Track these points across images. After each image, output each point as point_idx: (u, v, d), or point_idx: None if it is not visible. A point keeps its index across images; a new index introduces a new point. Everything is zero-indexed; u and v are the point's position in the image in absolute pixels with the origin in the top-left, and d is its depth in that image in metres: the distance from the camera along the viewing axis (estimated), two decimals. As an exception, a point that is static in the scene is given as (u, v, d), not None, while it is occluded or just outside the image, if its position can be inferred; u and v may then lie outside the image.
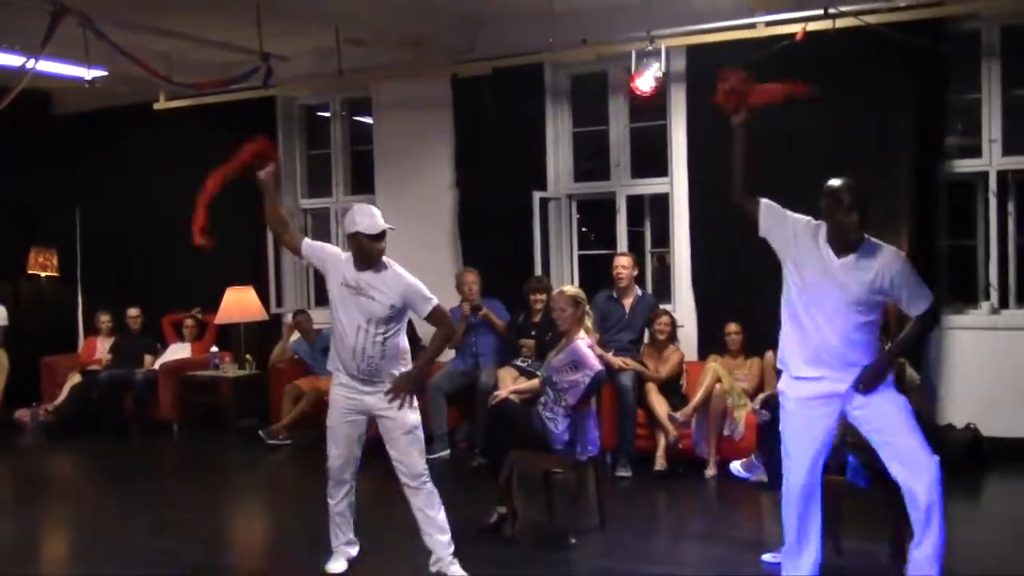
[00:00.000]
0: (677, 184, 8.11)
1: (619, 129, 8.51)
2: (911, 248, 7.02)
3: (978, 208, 7.36)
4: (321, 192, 10.03)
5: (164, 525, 6.18)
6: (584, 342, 5.43)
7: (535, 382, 5.99)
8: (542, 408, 5.43)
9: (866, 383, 4.01)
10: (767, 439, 4.89)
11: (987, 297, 7.31)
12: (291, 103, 9.88)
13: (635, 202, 8.59)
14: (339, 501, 5.00)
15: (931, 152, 7.18)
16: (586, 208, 8.98)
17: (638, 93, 7.73)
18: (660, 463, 6.96)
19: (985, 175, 7.25)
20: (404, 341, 4.80)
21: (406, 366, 4.79)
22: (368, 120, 9.61)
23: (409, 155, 9.15)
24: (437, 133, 8.91)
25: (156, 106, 9.58)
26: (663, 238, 8.43)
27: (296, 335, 8.96)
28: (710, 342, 7.64)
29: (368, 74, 8.88)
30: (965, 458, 6.78)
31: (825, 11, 6.92)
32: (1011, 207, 7.21)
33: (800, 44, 7.00)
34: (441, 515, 4.82)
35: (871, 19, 6.90)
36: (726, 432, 6.91)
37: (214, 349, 9.30)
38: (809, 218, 4.14)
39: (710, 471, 6.85)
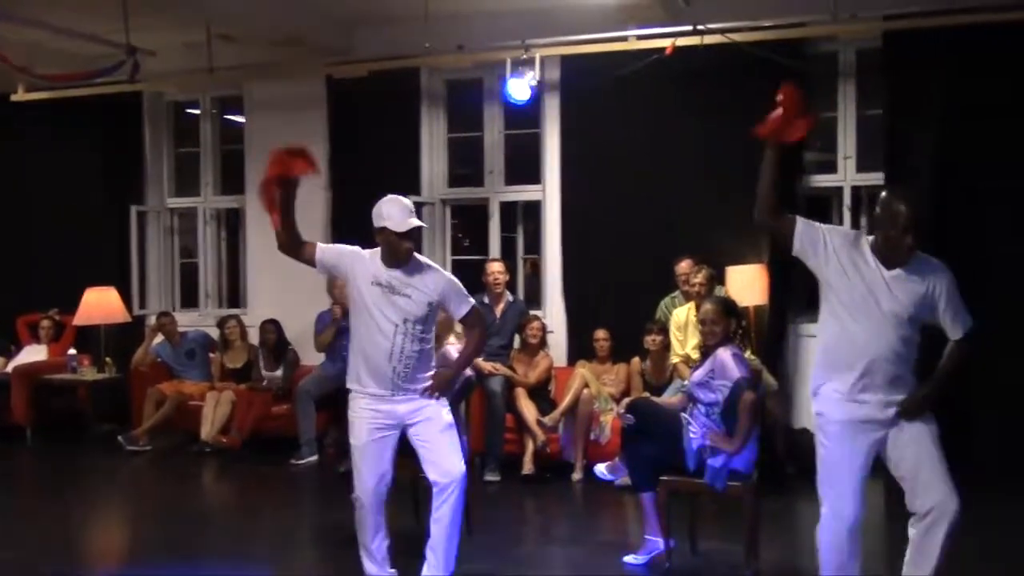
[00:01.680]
0: (550, 191, 8.22)
1: (494, 136, 8.57)
2: (770, 257, 7.30)
3: (833, 221, 7.69)
4: (189, 191, 9.77)
5: (16, 535, 5.91)
6: (454, 347, 5.44)
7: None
8: (410, 412, 5.41)
9: (912, 409, 3.78)
10: (631, 443, 4.99)
11: (841, 307, 7.62)
12: (159, 99, 9.61)
13: (508, 208, 8.67)
14: (378, 542, 4.51)
15: (791, 167, 7.46)
16: (460, 213, 9.01)
17: (513, 101, 7.81)
18: (528, 467, 7.03)
19: (840, 190, 7.58)
20: (434, 343, 4.58)
21: (432, 369, 4.51)
22: (240, 119, 9.42)
23: (281, 156, 8.98)
24: (311, 134, 8.75)
25: (14, 98, 9.18)
26: (535, 245, 8.53)
27: (160, 337, 8.70)
28: (579, 348, 7.76)
29: (240, 72, 8.71)
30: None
31: (694, 27, 7.14)
32: (863, 221, 7.55)
33: (670, 58, 7.19)
34: (457, 531, 4.45)
35: (737, 37, 7.14)
36: (593, 436, 7.02)
37: (72, 351, 8.94)
38: (847, 229, 3.93)
39: (577, 475, 6.95)
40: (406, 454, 4.98)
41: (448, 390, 4.55)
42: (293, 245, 4.45)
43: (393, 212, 4.29)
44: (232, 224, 9.74)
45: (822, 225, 3.88)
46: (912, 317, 3.75)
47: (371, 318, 4.34)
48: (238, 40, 8.25)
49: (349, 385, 4.51)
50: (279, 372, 8.34)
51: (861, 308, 3.75)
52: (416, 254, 4.42)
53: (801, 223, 3.86)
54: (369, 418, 4.39)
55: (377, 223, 4.32)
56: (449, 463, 4.38)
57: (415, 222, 4.31)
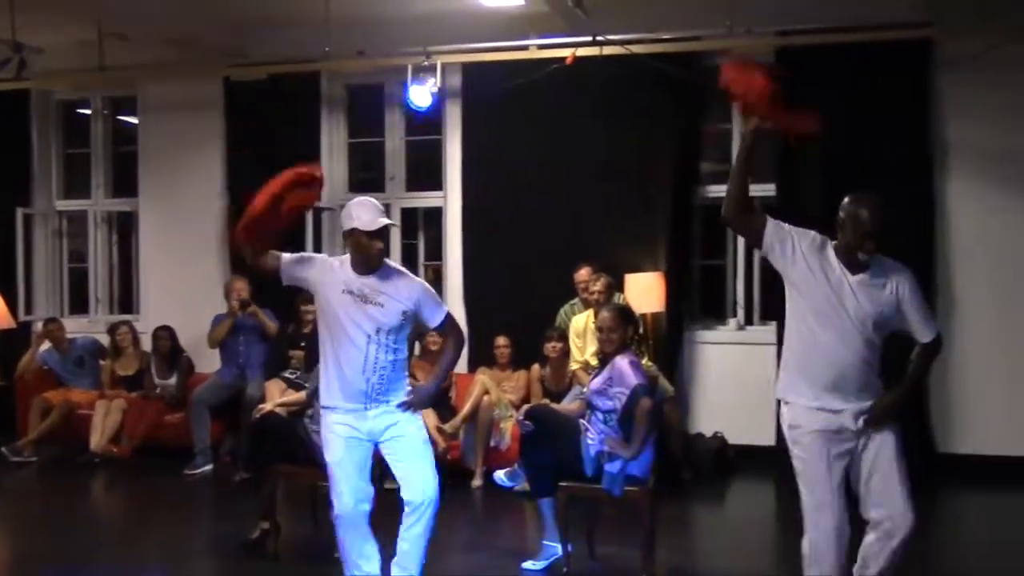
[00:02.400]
0: (451, 198, 8.23)
1: (395, 142, 8.54)
2: (667, 266, 7.45)
3: (728, 231, 7.86)
4: (79, 194, 9.48)
5: None
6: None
7: (302, 394, 5.90)
8: (308, 420, 5.35)
9: (880, 416, 3.71)
10: (530, 449, 5.02)
11: (734, 314, 7.84)
12: (47, 97, 9.30)
13: (409, 214, 8.65)
14: (367, 559, 4.26)
15: (687, 177, 7.64)
16: (360, 219, 8.93)
17: (414, 107, 7.80)
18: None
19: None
20: (407, 353, 4.37)
21: (406, 380, 4.33)
22: (133, 120, 9.18)
23: (177, 158, 8.80)
24: (207, 137, 8.64)
25: None
26: (436, 251, 8.53)
27: (47, 344, 8.41)
28: (479, 355, 7.78)
29: (133, 72, 8.50)
30: (713, 465, 7.24)
31: (593, 38, 7.23)
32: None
33: (570, 68, 7.28)
34: (425, 550, 4.27)
35: (636, 48, 7.27)
36: (493, 443, 7.05)
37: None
38: (814, 233, 3.83)
39: (476, 481, 6.95)
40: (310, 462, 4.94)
41: (427, 407, 4.42)
42: (260, 258, 4.20)
43: (361, 212, 4.10)
44: (124, 228, 9.47)
45: (791, 227, 3.81)
46: (878, 323, 3.69)
47: (343, 330, 4.14)
48: (132, 39, 8.05)
49: (322, 401, 4.32)
50: (172, 379, 8.14)
51: (829, 315, 3.69)
52: (388, 260, 4.27)
53: (771, 223, 3.79)
54: (344, 434, 4.20)
55: (346, 225, 4.13)
56: (423, 482, 4.20)
57: (385, 221, 4.13)
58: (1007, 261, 7.11)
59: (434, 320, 4.30)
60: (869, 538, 3.74)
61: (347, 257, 4.21)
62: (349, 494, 4.19)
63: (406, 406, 4.25)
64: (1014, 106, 6.98)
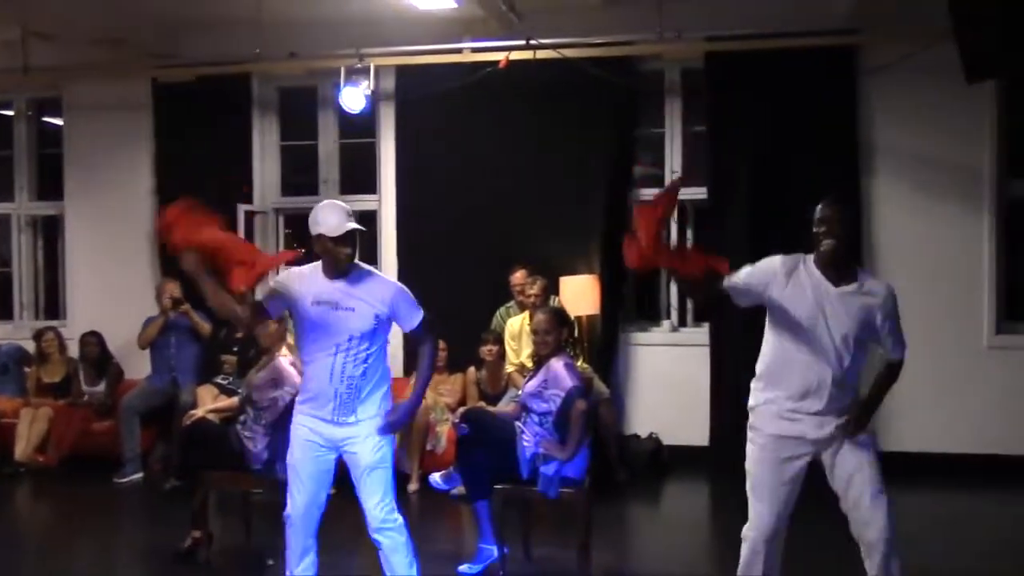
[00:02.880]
0: (385, 202, 8.19)
1: (328, 145, 8.47)
2: (602, 269, 7.50)
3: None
4: (1, 197, 9.23)
5: None
6: (286, 359, 5.34)
7: (234, 400, 5.84)
8: (241, 427, 5.29)
9: (855, 426, 3.75)
10: (465, 452, 5.02)
11: (668, 316, 7.92)
12: (-32, 99, 9.07)
13: (344, 218, 8.57)
14: (304, 567, 4.19)
15: (621, 181, 7.70)
16: (294, 223, 8.84)
17: (347, 110, 7.74)
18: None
19: (667, 203, 7.84)
20: (386, 359, 4.19)
21: (387, 396, 4.16)
22: (58, 122, 8.97)
23: (104, 161, 8.62)
24: (136, 139, 8.48)
25: None
26: (372, 255, 8.46)
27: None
28: (414, 358, 7.72)
29: (59, 73, 8.31)
30: (648, 465, 7.30)
31: (527, 42, 7.26)
32: (690, 233, 7.85)
33: (504, 71, 7.29)
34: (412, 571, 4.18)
35: (569, 53, 7.31)
36: (429, 447, 7.03)
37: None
38: (781, 257, 3.81)
39: (412, 485, 6.92)
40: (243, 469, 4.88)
41: (407, 424, 4.27)
42: (249, 312, 4.12)
43: (328, 217, 3.97)
44: (49, 232, 9.25)
45: (749, 267, 3.81)
46: (858, 337, 3.71)
47: (313, 339, 4.06)
48: (56, 39, 7.87)
49: (297, 401, 4.25)
50: (101, 386, 7.98)
51: (808, 329, 3.70)
52: (360, 263, 4.14)
53: (731, 287, 3.78)
54: (304, 436, 4.12)
55: (313, 231, 4.01)
56: (374, 509, 4.08)
57: (351, 225, 3.98)
58: (931, 261, 7.30)
59: (410, 323, 4.11)
60: (866, 563, 3.77)
61: (318, 264, 4.10)
62: (299, 498, 4.13)
63: (385, 429, 4.08)
64: (935, 110, 7.16)
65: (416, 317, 4.11)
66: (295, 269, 4.17)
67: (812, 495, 3.86)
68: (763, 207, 7.29)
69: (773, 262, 3.80)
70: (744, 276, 3.80)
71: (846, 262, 3.76)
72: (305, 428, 4.12)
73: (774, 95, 7.31)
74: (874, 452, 3.81)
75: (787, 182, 7.27)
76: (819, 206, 3.76)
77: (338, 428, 4.08)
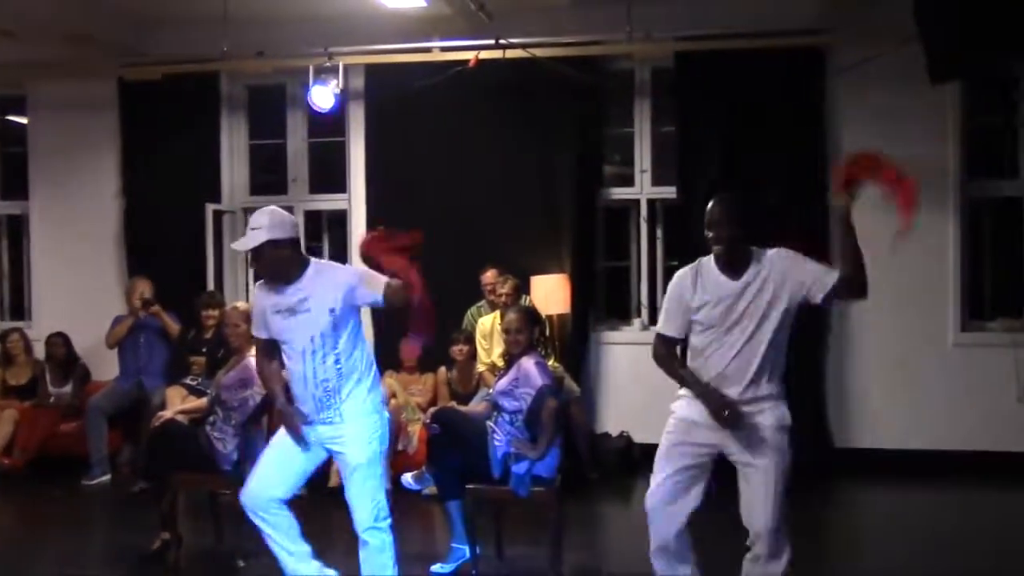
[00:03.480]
0: (355, 200, 8.16)
1: (297, 143, 8.43)
2: (572, 267, 7.52)
3: (631, 232, 8.00)
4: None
5: None
6: (255, 359, 5.31)
7: (203, 401, 5.79)
8: (210, 428, 5.25)
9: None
10: (437, 452, 5.01)
11: (639, 314, 7.95)
12: (-70, 96, 8.94)
13: (314, 217, 8.54)
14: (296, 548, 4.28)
15: (590, 180, 7.72)
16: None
17: (316, 108, 7.70)
18: (334, 480, 6.91)
19: (637, 202, 7.89)
20: (364, 351, 4.11)
21: (374, 389, 4.13)
22: (22, 120, 8.86)
23: (69, 160, 8.53)
24: (101, 138, 8.40)
25: None
26: (342, 254, 8.43)
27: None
28: (386, 359, 7.71)
29: (22, 70, 8.21)
30: (619, 464, 7.33)
31: (496, 41, 7.26)
32: (659, 232, 7.89)
33: (473, 70, 7.29)
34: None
35: (538, 52, 7.32)
36: (400, 447, 7.01)
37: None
38: (681, 271, 3.90)
39: (385, 485, 6.89)
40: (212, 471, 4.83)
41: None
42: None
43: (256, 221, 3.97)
44: (14, 231, 9.13)
45: (670, 289, 3.91)
46: (774, 315, 3.70)
47: (286, 348, 4.06)
48: (19, 35, 7.77)
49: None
50: (68, 388, 7.90)
51: (715, 325, 3.75)
52: (314, 260, 4.08)
53: (675, 326, 3.88)
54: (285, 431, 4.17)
55: (258, 240, 3.94)
56: (357, 505, 4.11)
57: (241, 245, 3.97)
58: (897, 260, 7.32)
59: (373, 297, 3.98)
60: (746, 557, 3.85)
61: None
62: (254, 478, 4.19)
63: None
64: (902, 110, 7.22)
65: (379, 289, 3.95)
66: (256, 290, 4.19)
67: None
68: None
69: (677, 277, 3.89)
70: (668, 315, 3.90)
71: (741, 255, 3.76)
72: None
73: (743, 95, 7.36)
74: (786, 462, 3.76)
75: (755, 182, 7.32)
76: (708, 206, 3.80)
77: (325, 427, 4.08)
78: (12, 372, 8.03)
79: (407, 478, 5.38)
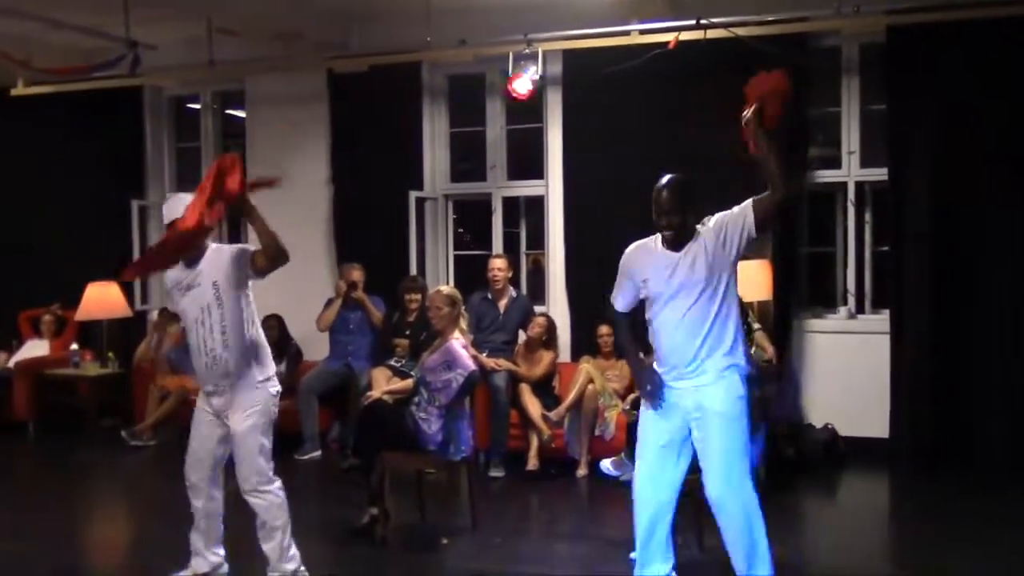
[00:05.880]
0: (552, 187, 8.20)
1: (496, 131, 8.55)
2: (774, 253, 7.30)
3: (837, 217, 7.68)
4: (190, 186, 9.63)
5: (16, 529, 5.90)
6: (459, 342, 5.43)
7: (408, 382, 5.97)
8: (415, 408, 5.41)
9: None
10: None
11: (844, 302, 7.63)
12: (159, 93, 9.58)
13: (511, 204, 8.65)
14: (197, 509, 4.69)
15: (794, 162, 7.44)
16: (462, 209, 8.99)
17: (515, 95, 7.78)
18: (532, 463, 7.03)
19: (844, 185, 7.57)
20: (254, 333, 4.53)
21: (260, 365, 4.56)
22: (241, 113, 9.39)
23: (283, 150, 8.96)
24: (312, 129, 8.78)
25: (13, 92, 9.13)
26: (538, 240, 8.51)
27: (170, 342, 8.62)
28: (583, 343, 7.74)
29: (241, 66, 8.68)
30: (823, 456, 7.07)
31: (697, 22, 7.10)
32: (868, 216, 7.54)
33: (672, 52, 7.17)
34: (276, 537, 4.58)
35: (740, 31, 7.10)
36: (597, 432, 7.01)
37: (74, 347, 8.93)
38: (632, 245, 4.23)
39: (581, 471, 6.93)
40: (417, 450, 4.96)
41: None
42: None
43: (165, 209, 4.55)
44: (233, 219, 9.64)
45: (622, 263, 4.20)
46: (710, 279, 3.95)
47: (185, 321, 4.56)
48: (239, 34, 8.24)
49: None
50: (282, 367, 8.28)
51: (661, 298, 4.02)
52: (218, 244, 4.57)
53: (626, 293, 4.20)
54: (199, 405, 4.64)
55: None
56: (240, 470, 4.53)
57: (171, 213, 4.43)
58: None
59: (242, 263, 4.40)
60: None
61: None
62: (190, 450, 4.65)
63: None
64: None
65: (248, 252, 4.41)
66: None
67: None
68: (948, 191, 6.92)
69: (626, 255, 4.19)
70: (618, 288, 4.21)
71: (688, 234, 4.01)
72: (200, 399, 4.62)
73: (960, 69, 6.91)
74: (741, 426, 3.98)
75: (976, 166, 6.88)
76: (656, 190, 4.03)
77: (215, 398, 4.51)
78: (232, 351, 8.51)
79: (606, 464, 5.38)
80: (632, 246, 4.21)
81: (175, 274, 4.52)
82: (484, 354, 7.14)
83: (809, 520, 6.42)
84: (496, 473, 7.02)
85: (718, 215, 4.05)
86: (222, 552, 4.80)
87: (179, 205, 4.40)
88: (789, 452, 6.89)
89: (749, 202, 3.99)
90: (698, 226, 4.04)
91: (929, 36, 6.93)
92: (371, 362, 7.69)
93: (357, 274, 7.89)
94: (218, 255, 4.46)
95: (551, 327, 7.51)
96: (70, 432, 8.70)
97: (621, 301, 4.23)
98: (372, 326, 7.89)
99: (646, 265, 4.07)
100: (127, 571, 5.43)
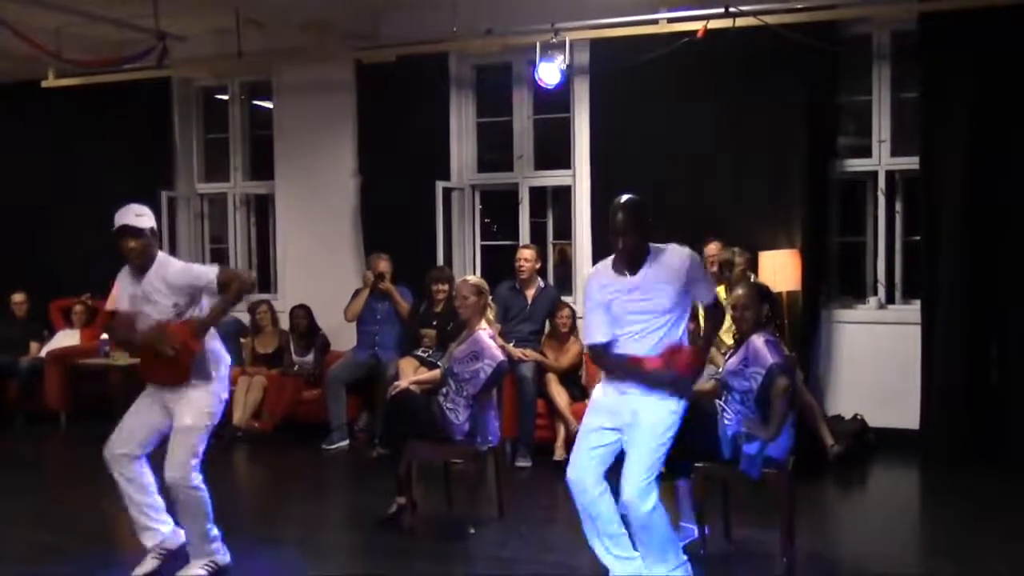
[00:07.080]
0: (580, 176, 8.17)
1: (523, 121, 8.53)
2: (803, 243, 7.24)
3: (867, 206, 7.61)
4: (219, 177, 9.81)
5: (46, 518, 5.97)
6: (486, 332, 5.43)
7: (436, 372, 5.96)
8: (443, 398, 5.41)
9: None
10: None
11: (875, 292, 7.56)
12: (188, 85, 9.63)
13: (538, 194, 8.63)
14: (121, 481, 4.81)
15: (823, 151, 7.38)
16: (489, 199, 8.98)
17: (542, 85, 7.76)
18: (559, 453, 7.02)
19: (875, 174, 7.49)
20: (207, 339, 4.61)
21: (215, 367, 4.66)
22: (268, 104, 9.42)
23: (310, 141, 9.01)
24: (340, 119, 8.80)
25: (44, 84, 9.22)
26: (565, 230, 8.49)
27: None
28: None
29: (269, 57, 8.72)
30: (853, 447, 7.00)
31: (726, 10, 7.05)
32: (899, 205, 7.47)
33: (700, 41, 7.12)
34: (197, 529, 4.66)
35: (769, 19, 7.05)
36: (626, 423, 6.98)
37: (104, 336, 9.00)
38: (589, 275, 4.33)
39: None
40: (444, 440, 4.97)
41: (168, 343, 4.47)
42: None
43: (117, 216, 4.53)
44: (262, 209, 9.76)
45: (588, 293, 4.23)
46: (668, 306, 4.07)
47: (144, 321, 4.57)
48: (266, 25, 8.26)
49: None
50: (310, 357, 8.36)
51: (621, 318, 4.09)
52: (165, 255, 4.63)
53: (604, 339, 4.17)
54: (149, 389, 4.72)
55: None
56: (168, 461, 4.57)
57: (122, 221, 4.49)
58: None
59: (210, 287, 4.48)
60: None
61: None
62: (114, 435, 4.70)
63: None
64: None
65: (211, 276, 4.49)
66: (120, 274, 4.72)
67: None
68: (981, 181, 6.84)
69: (589, 286, 4.25)
70: (595, 320, 4.18)
71: (641, 256, 4.08)
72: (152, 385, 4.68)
73: (994, 57, 6.81)
74: (665, 427, 4.10)
75: (1010, 154, 6.78)
76: (612, 208, 4.07)
77: (168, 391, 4.59)
78: (260, 341, 8.58)
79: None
80: (590, 274, 4.33)
81: (129, 288, 4.61)
82: (511, 344, 7.13)
83: (840, 511, 6.37)
84: (523, 463, 7.02)
85: (689, 261, 4.14)
86: (169, 520, 4.91)
87: (129, 214, 4.53)
88: (834, 447, 6.63)
89: (711, 300, 4.36)
90: (653, 246, 4.13)
91: (962, 22, 6.83)
92: (398, 352, 7.71)
93: (384, 264, 7.91)
94: (175, 275, 4.53)
95: (574, 318, 7.49)
96: (101, 421, 8.73)
97: (603, 332, 4.17)
98: (399, 316, 7.91)
99: (606, 287, 4.15)
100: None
